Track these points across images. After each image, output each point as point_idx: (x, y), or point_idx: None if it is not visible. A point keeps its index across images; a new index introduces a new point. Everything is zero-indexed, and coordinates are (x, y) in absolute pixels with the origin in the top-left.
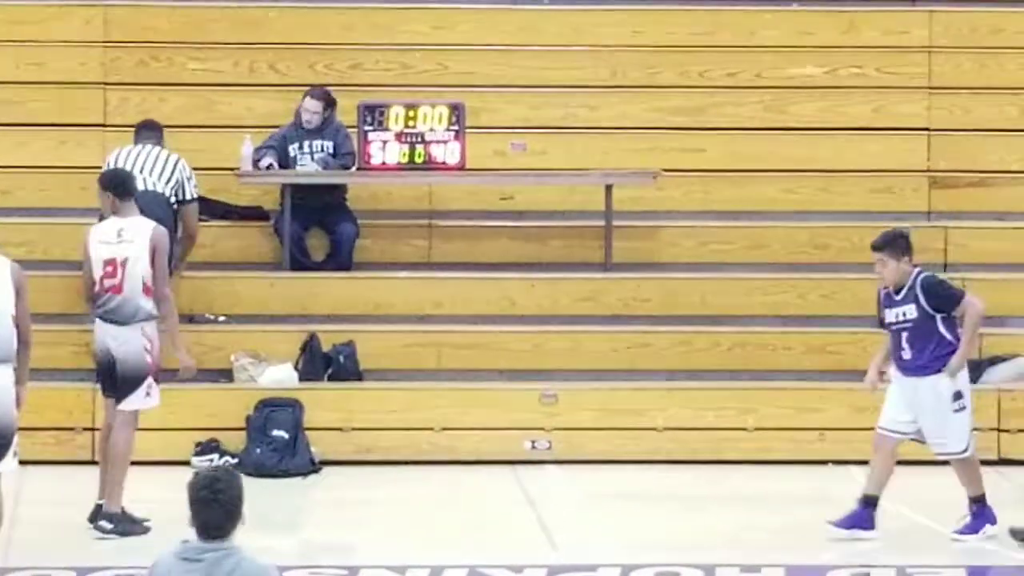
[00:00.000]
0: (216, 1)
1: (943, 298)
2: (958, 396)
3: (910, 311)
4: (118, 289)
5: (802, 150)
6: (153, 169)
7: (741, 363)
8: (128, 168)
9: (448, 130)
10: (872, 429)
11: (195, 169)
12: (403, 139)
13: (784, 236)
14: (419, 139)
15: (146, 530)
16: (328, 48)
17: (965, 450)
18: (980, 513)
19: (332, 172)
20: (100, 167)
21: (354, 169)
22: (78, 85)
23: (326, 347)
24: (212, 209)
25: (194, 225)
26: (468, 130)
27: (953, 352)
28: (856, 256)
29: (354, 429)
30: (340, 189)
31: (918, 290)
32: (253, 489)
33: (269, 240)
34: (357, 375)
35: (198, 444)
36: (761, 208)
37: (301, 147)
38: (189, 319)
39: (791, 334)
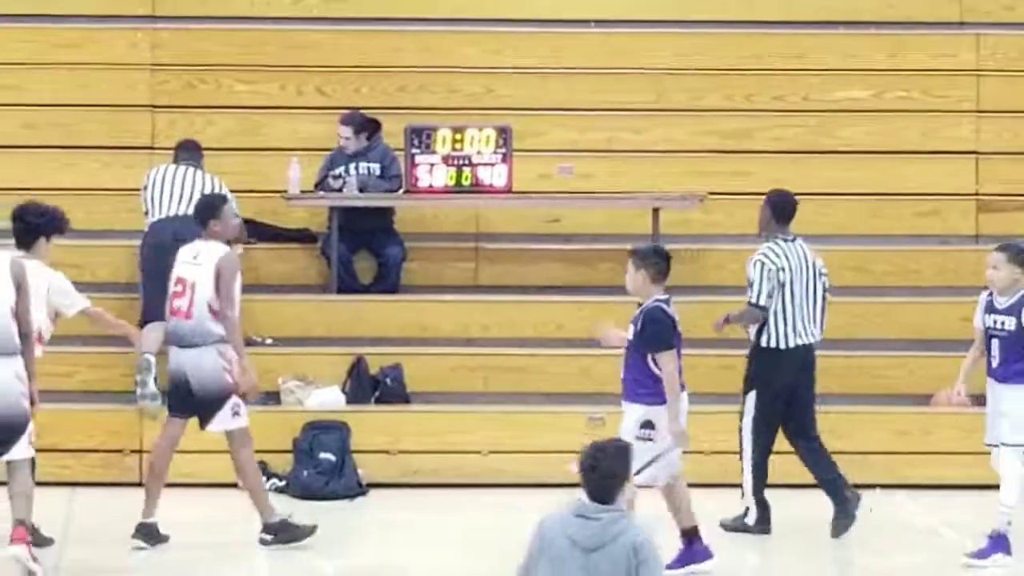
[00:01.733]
0: (263, 24)
1: (648, 335)
2: (646, 425)
3: (631, 332)
4: (188, 315)
5: (849, 174)
6: (194, 194)
7: None
8: (167, 188)
9: (495, 153)
10: (915, 453)
11: (242, 192)
12: (450, 162)
13: (830, 259)
14: (466, 162)
15: (312, 530)
16: (375, 71)
17: (636, 473)
18: (688, 547)
19: (379, 195)
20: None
21: (401, 192)
22: (126, 108)
23: (373, 370)
24: (260, 232)
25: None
26: (515, 153)
27: (658, 386)
28: (903, 280)
29: (401, 452)
30: (387, 212)
31: (642, 316)
32: (300, 512)
33: (316, 263)
34: (404, 398)
35: None
36: (807, 232)
37: (347, 169)
38: None
39: (836, 357)
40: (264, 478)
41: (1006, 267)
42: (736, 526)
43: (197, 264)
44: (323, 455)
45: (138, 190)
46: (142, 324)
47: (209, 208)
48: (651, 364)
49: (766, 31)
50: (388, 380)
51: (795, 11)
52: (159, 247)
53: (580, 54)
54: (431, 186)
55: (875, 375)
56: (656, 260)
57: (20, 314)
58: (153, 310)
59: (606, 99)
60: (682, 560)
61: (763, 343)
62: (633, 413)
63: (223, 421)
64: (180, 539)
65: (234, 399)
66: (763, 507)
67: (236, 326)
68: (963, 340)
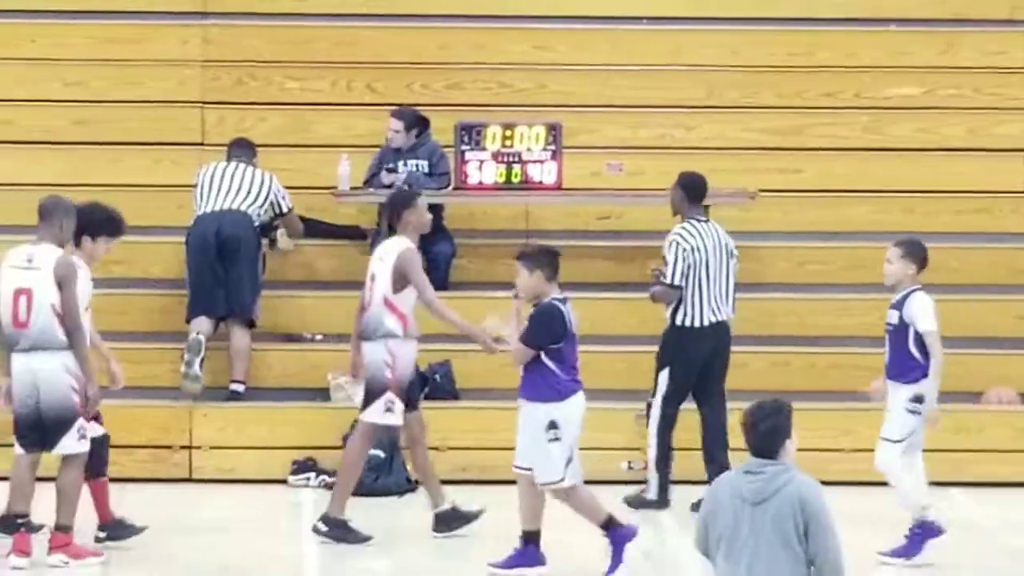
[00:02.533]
0: (313, 21)
1: (529, 328)
2: (552, 426)
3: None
4: (367, 306)
5: (899, 171)
6: (240, 188)
7: (837, 384)
8: (215, 184)
9: (545, 150)
10: (972, 451)
11: (292, 188)
12: (500, 159)
13: (881, 257)
14: (516, 159)
15: (365, 539)
16: (425, 68)
17: (561, 480)
18: (616, 548)
19: (429, 192)
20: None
21: (450, 189)
22: (176, 104)
23: (422, 366)
24: (309, 228)
25: (298, 228)
26: (565, 150)
27: (557, 383)
28: (953, 278)
29: (450, 448)
30: (437, 209)
31: (535, 311)
32: (349, 508)
33: (366, 259)
34: (453, 394)
35: (295, 463)
36: (858, 229)
37: (395, 167)
38: (286, 338)
39: None
40: (314, 474)
41: (899, 262)
42: (641, 502)
43: (379, 260)
44: (372, 451)
45: (189, 186)
46: (188, 319)
47: (403, 198)
48: (548, 360)
49: (818, 28)
50: (437, 376)
51: (847, 8)
52: (202, 240)
53: (631, 51)
54: (481, 183)
55: None
56: (549, 259)
57: (65, 311)
58: (198, 304)
59: (657, 96)
60: (616, 561)
61: (678, 321)
62: (535, 412)
63: (375, 414)
64: (228, 533)
65: (388, 395)
66: (664, 482)
67: (438, 305)
68: (1015, 337)
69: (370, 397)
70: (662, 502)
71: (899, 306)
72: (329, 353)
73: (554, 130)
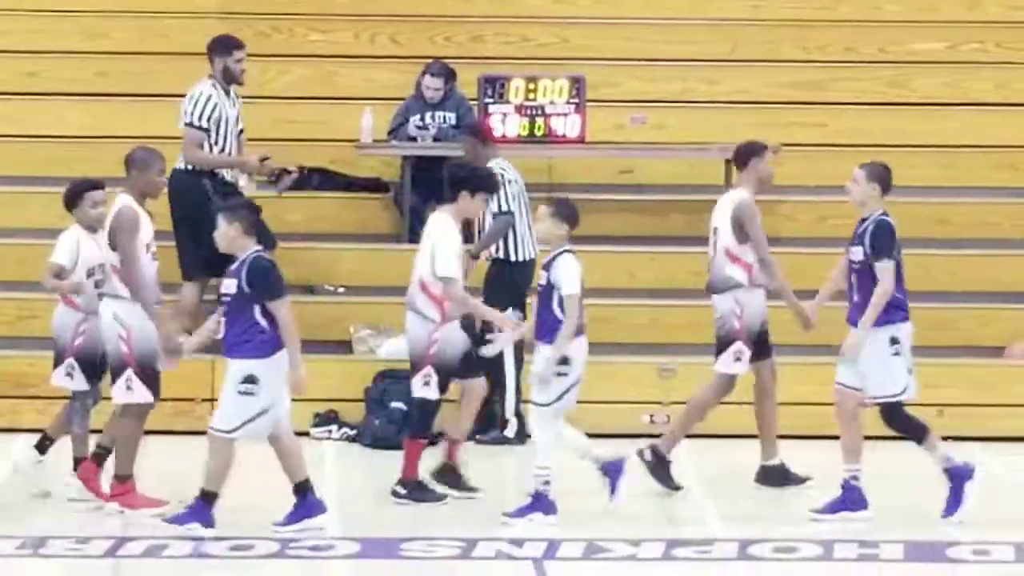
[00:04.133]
0: None
1: (262, 285)
2: (249, 380)
3: (233, 287)
4: (712, 260)
5: (924, 126)
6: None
7: None
8: None
9: (568, 103)
10: (994, 406)
11: (315, 140)
12: (523, 112)
13: (905, 212)
14: (539, 112)
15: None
16: (449, 20)
17: (230, 432)
18: (302, 504)
19: (451, 144)
20: None
21: None
22: (198, 56)
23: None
24: (333, 181)
25: (195, 151)
26: (588, 103)
27: (265, 339)
28: (978, 232)
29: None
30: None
31: (248, 268)
32: (370, 461)
33: (389, 212)
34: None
35: (316, 415)
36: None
37: (423, 119)
38: (309, 290)
39: (913, 309)
40: (336, 426)
41: (548, 220)
42: (495, 439)
43: (722, 212)
44: (394, 404)
45: None
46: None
47: (752, 147)
48: (259, 316)
49: None
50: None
51: None
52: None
53: (655, 5)
54: (504, 136)
55: (951, 327)
56: (247, 213)
57: (122, 263)
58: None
59: (680, 50)
60: (296, 515)
61: (502, 255)
62: (234, 367)
63: (724, 363)
64: (251, 486)
65: (738, 345)
66: (522, 420)
67: (772, 267)
68: None
69: (721, 347)
70: (521, 440)
71: (548, 267)
72: (351, 306)
73: (577, 83)
